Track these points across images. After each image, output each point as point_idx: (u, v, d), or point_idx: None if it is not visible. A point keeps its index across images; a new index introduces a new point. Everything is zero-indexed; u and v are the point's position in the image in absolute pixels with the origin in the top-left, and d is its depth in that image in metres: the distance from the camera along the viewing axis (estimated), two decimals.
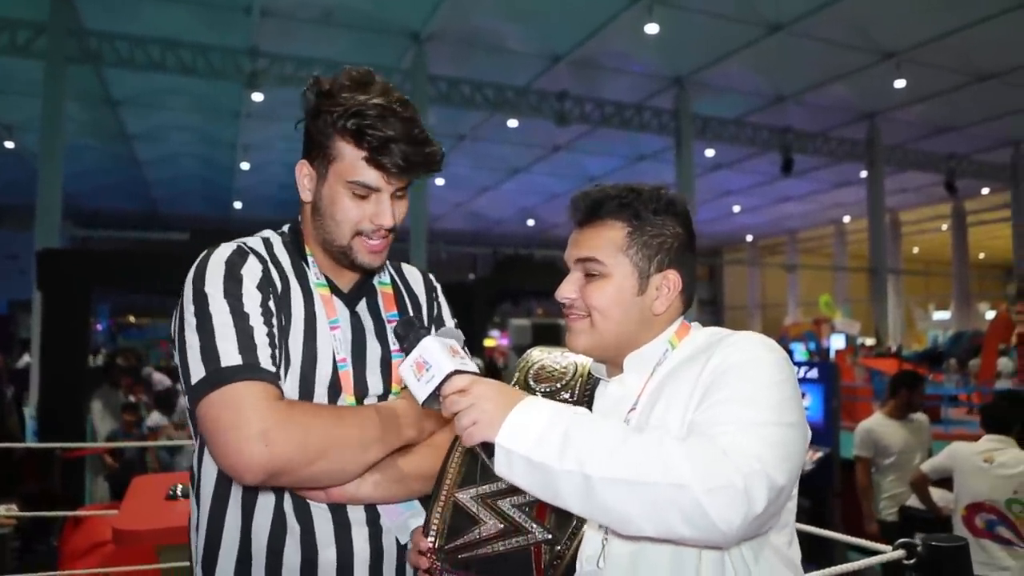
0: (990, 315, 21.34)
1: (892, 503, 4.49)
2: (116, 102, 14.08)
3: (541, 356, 1.37)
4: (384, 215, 1.25)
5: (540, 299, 21.49)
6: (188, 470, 1.36)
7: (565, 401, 1.25)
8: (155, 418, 7.39)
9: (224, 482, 1.22)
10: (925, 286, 30.58)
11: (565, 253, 1.23)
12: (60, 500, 5.78)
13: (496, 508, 1.13)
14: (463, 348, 1.13)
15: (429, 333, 1.09)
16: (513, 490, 1.12)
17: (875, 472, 4.53)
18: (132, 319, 24.81)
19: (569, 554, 1.09)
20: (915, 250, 30.69)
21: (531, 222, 25.79)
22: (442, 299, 1.50)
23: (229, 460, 1.09)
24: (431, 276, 1.53)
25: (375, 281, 1.39)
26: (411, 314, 1.42)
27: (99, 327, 19.55)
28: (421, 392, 1.06)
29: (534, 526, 1.12)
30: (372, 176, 1.22)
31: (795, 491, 1.05)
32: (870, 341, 17.52)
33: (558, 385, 1.29)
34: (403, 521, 1.24)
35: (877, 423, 4.56)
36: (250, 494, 1.21)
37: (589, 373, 1.29)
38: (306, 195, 1.29)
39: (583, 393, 1.26)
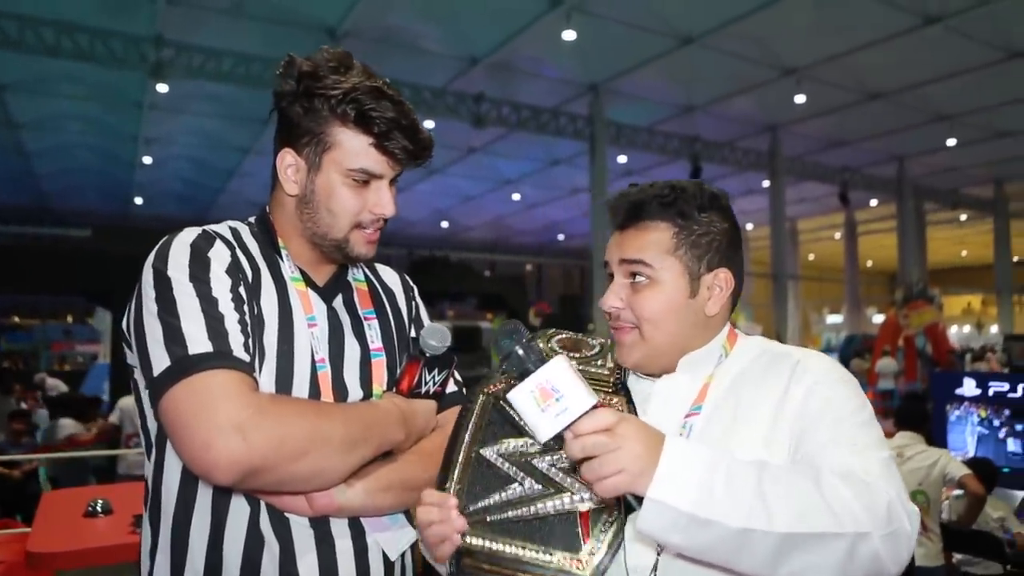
0: (877, 319, 22.77)
1: None
2: (1, 87, 13.10)
3: (560, 331, 1.28)
4: (385, 204, 1.18)
5: (453, 301, 21.44)
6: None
7: (600, 368, 1.17)
8: (67, 425, 6.89)
9: (189, 495, 1.10)
10: (820, 291, 32.28)
11: (606, 255, 1.16)
12: None
13: (532, 467, 1.01)
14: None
15: (540, 347, 0.92)
16: (549, 449, 1.00)
17: None
18: (17, 320, 23.13)
19: (618, 527, 0.99)
20: (811, 257, 32.37)
21: (445, 224, 25.64)
22: (419, 299, 1.43)
23: (198, 457, 0.97)
24: (407, 276, 1.46)
25: (349, 277, 1.31)
26: (389, 312, 1.33)
27: None
28: (547, 427, 0.87)
29: (582, 490, 0.99)
30: (376, 163, 1.15)
31: None
32: None
33: (589, 354, 1.19)
34: (390, 534, 1.15)
35: None
36: (220, 506, 1.09)
37: None
38: (292, 187, 1.18)
39: (616, 366, 1.18)
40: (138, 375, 1.10)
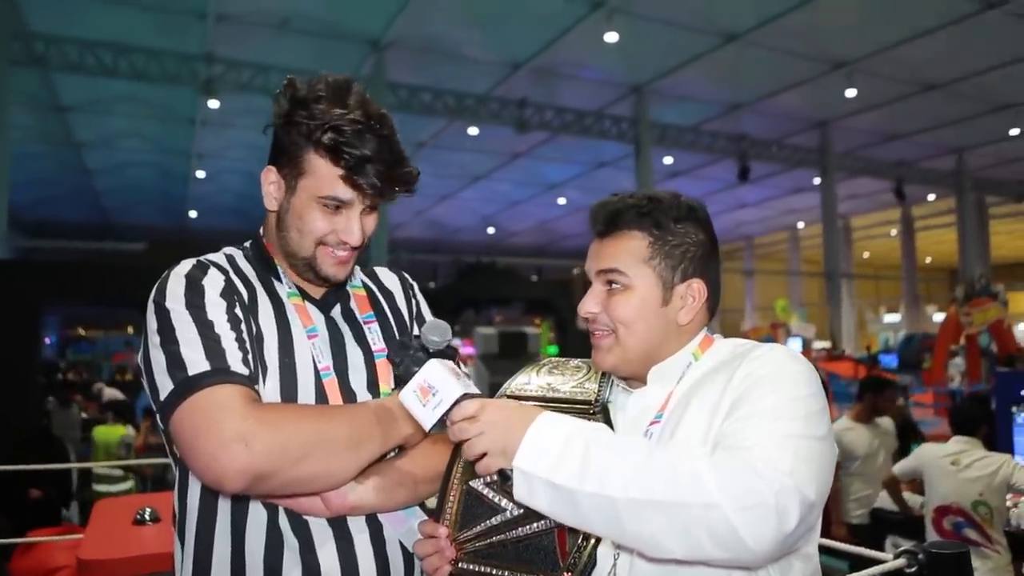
0: (938, 317, 22.02)
1: (859, 506, 4.56)
2: (64, 108, 13.63)
3: (553, 359, 1.34)
4: (352, 232, 1.21)
5: (500, 307, 21.45)
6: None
7: (586, 392, 1.20)
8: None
9: (209, 507, 1.15)
10: (876, 290, 31.37)
11: (585, 265, 1.21)
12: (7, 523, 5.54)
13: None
14: (458, 360, 1.10)
15: (428, 355, 1.05)
16: None
17: (842, 475, 4.59)
18: (82, 332, 24.03)
19: (593, 540, 1.05)
20: (865, 255, 31.48)
21: (491, 230, 25.74)
22: (420, 295, 1.47)
23: (207, 467, 1.02)
24: (405, 274, 1.50)
25: (347, 286, 1.36)
26: (388, 314, 1.38)
27: (47, 341, 18.88)
28: (427, 418, 1.03)
29: None
30: (345, 192, 1.18)
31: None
32: (824, 344, 17.88)
33: (574, 378, 1.24)
34: (408, 527, 1.18)
35: (844, 427, 4.63)
36: (239, 513, 1.13)
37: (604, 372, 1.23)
38: (271, 203, 1.25)
39: (600, 388, 1.21)
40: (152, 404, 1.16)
